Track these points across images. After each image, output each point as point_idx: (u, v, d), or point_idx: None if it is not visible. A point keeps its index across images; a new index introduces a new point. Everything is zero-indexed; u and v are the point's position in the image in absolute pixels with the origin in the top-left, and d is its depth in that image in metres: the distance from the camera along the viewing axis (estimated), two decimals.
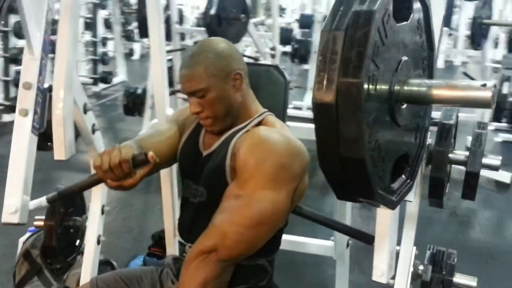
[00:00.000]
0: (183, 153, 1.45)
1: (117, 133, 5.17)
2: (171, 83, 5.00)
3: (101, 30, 7.05)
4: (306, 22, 5.29)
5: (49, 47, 1.28)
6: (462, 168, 1.30)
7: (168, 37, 4.87)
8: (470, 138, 4.16)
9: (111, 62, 7.28)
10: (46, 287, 2.08)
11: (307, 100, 5.32)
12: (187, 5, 10.06)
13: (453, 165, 1.35)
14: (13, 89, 5.17)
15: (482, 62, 4.23)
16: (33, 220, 1.70)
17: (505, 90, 4.06)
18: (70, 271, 2.03)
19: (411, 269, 1.52)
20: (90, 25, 6.87)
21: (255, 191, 1.17)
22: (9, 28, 5.00)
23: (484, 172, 1.40)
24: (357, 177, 0.74)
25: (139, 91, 4.62)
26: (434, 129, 1.22)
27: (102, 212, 1.77)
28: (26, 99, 1.13)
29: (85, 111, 1.57)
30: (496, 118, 4.27)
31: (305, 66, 6.17)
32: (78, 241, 1.83)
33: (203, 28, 3.98)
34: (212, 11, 3.55)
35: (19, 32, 4.98)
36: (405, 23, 0.83)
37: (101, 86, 6.81)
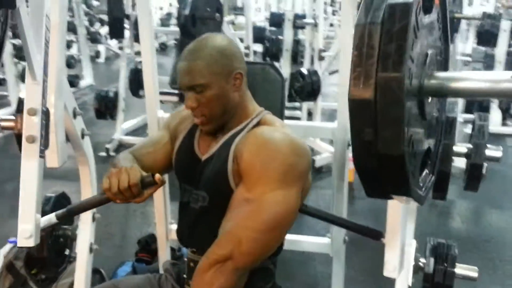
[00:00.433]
0: (179, 158, 1.41)
1: (90, 138, 5.03)
2: (143, 85, 4.91)
3: None
4: (276, 20, 5.27)
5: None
6: None
7: (137, 38, 4.79)
8: None
9: (77, 65, 7.10)
10: None
11: None
12: (151, 6, 9.90)
13: None
14: None
15: (452, 56, 4.31)
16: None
17: None
18: (58, 281, 1.96)
19: (412, 262, 1.53)
20: None
21: (265, 193, 1.14)
22: None
23: (458, 163, 1.42)
24: (394, 174, 0.72)
25: (111, 94, 4.51)
26: None
27: (93, 220, 1.71)
28: (32, 126, 1.14)
29: (75, 115, 1.51)
30: (467, 110, 4.37)
31: (276, 64, 6.17)
32: (67, 250, 1.77)
33: (174, 29, 3.93)
34: (186, 11, 3.49)
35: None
36: (429, 15, 0.82)
37: None
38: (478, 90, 0.78)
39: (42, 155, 1.17)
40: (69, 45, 7.02)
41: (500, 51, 4.86)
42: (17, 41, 5.21)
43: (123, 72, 4.67)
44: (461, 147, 1.35)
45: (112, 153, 4.31)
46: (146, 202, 1.24)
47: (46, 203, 1.61)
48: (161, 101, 4.70)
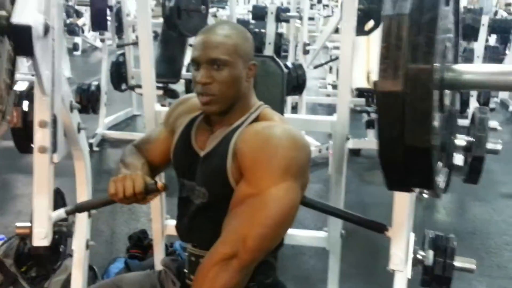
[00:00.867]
0: (177, 154, 1.40)
1: None
2: (125, 79, 4.85)
3: None
4: (259, 13, 5.24)
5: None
6: None
7: (119, 30, 4.72)
8: None
9: None
10: None
11: None
12: None
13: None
14: None
15: None
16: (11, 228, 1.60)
17: None
18: (51, 278, 1.92)
19: (411, 255, 1.55)
20: None
21: (268, 188, 1.13)
22: None
23: None
24: (420, 166, 0.72)
25: (93, 88, 4.43)
26: None
27: (89, 216, 1.68)
28: (43, 137, 1.24)
29: (71, 109, 1.48)
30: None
31: None
32: (62, 247, 1.73)
33: (158, 21, 3.87)
34: (172, 3, 3.44)
35: None
36: (448, 7, 0.82)
37: None
38: (498, 83, 0.79)
39: (52, 162, 1.30)
40: None
41: (479, 45, 4.94)
42: None
43: (105, 65, 4.60)
44: (460, 140, 1.36)
45: (95, 148, 4.25)
46: None
47: None
48: None
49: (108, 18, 4.41)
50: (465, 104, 4.76)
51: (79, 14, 8.77)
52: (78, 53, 9.26)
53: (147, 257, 2.34)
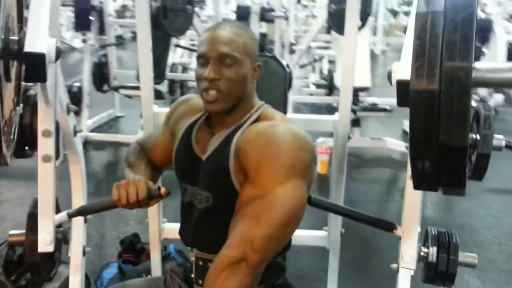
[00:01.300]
0: (178, 159, 1.38)
1: None
2: (107, 80, 4.77)
3: None
4: (243, 13, 5.23)
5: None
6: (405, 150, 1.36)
7: (101, 30, 4.64)
8: (406, 122, 4.33)
9: None
10: None
11: None
12: None
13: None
14: None
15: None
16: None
17: None
18: (45, 286, 1.86)
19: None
20: None
21: (274, 189, 1.11)
22: None
23: None
24: (454, 165, 0.71)
25: (75, 89, 4.34)
26: None
27: (85, 221, 1.63)
28: (47, 146, 1.24)
29: (68, 111, 1.44)
30: None
31: None
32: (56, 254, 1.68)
33: (132, 21, 3.83)
34: (158, 3, 3.40)
35: None
36: None
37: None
38: None
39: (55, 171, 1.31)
40: None
41: None
42: None
43: (87, 66, 4.51)
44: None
45: None
46: None
47: (35, 205, 1.51)
48: (129, 96, 4.59)
49: (91, 18, 4.33)
50: None
51: None
52: None
53: (140, 261, 2.29)
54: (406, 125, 4.93)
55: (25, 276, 2.04)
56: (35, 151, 1.40)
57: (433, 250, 1.53)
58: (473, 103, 1.46)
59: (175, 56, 5.92)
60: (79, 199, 1.63)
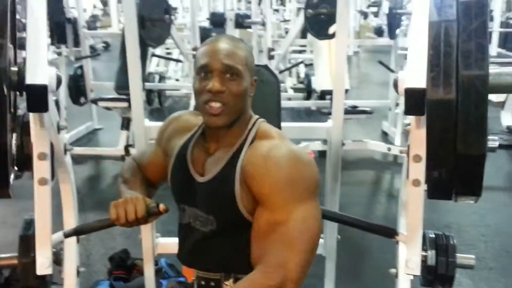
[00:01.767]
0: (174, 180, 1.34)
1: None
2: (84, 92, 4.69)
3: None
4: (218, 20, 5.22)
5: None
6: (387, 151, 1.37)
7: (76, 43, 4.57)
8: (385, 123, 4.40)
9: None
10: None
11: None
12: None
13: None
14: None
15: (395, 51, 4.47)
16: None
17: None
18: None
19: None
20: None
21: (296, 212, 1.11)
22: None
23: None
24: (472, 174, 0.71)
25: None
26: None
27: (78, 241, 1.59)
28: (43, 169, 1.22)
29: (59, 130, 1.40)
30: None
31: None
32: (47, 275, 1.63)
33: (107, 31, 3.78)
34: None
35: None
36: None
37: None
38: None
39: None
40: None
41: None
42: None
43: (63, 79, 4.41)
44: None
45: None
46: None
47: (27, 227, 1.47)
48: (108, 108, 4.53)
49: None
50: None
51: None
52: None
53: (132, 278, 2.25)
54: (385, 126, 4.98)
55: None
56: (25, 172, 1.36)
57: (431, 254, 1.53)
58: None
59: (150, 65, 5.87)
60: (70, 217, 1.59)
